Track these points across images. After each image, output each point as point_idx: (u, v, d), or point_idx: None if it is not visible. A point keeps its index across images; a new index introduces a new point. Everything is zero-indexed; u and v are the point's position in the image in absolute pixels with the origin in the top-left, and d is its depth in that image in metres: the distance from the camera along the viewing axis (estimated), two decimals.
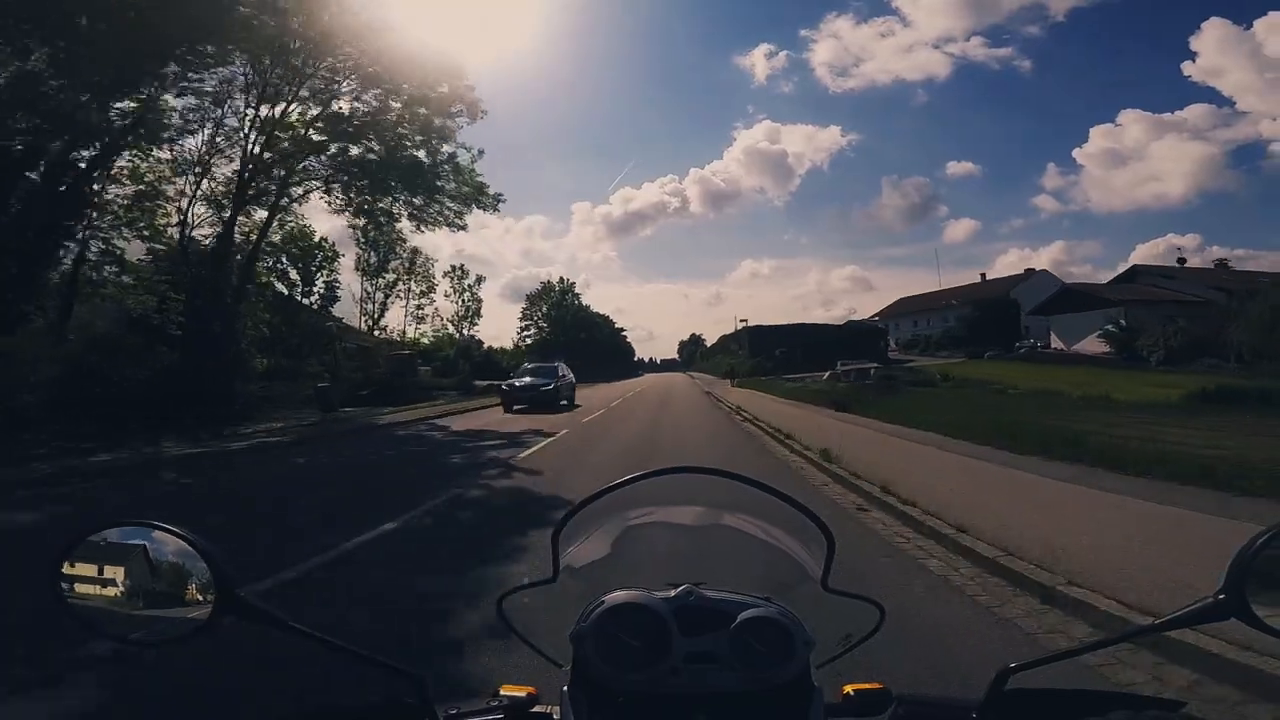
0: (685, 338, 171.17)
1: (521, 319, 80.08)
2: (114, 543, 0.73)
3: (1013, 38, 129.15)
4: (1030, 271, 68.70)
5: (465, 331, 56.04)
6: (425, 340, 52.15)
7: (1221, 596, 0.65)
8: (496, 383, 32.24)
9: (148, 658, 2.81)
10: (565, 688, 0.77)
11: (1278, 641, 0.63)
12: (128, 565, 0.73)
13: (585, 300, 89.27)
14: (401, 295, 49.89)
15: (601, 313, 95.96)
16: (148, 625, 0.73)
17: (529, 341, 77.32)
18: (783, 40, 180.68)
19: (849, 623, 0.95)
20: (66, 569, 0.71)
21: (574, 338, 76.47)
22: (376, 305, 48.29)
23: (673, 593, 0.81)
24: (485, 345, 61.48)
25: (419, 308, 51.78)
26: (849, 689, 0.80)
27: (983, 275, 74.88)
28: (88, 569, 0.72)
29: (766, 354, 45.41)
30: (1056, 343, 48.79)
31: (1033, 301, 58.36)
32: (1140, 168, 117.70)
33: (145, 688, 2.87)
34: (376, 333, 47.41)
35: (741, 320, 70.30)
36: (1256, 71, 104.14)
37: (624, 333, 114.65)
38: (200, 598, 0.72)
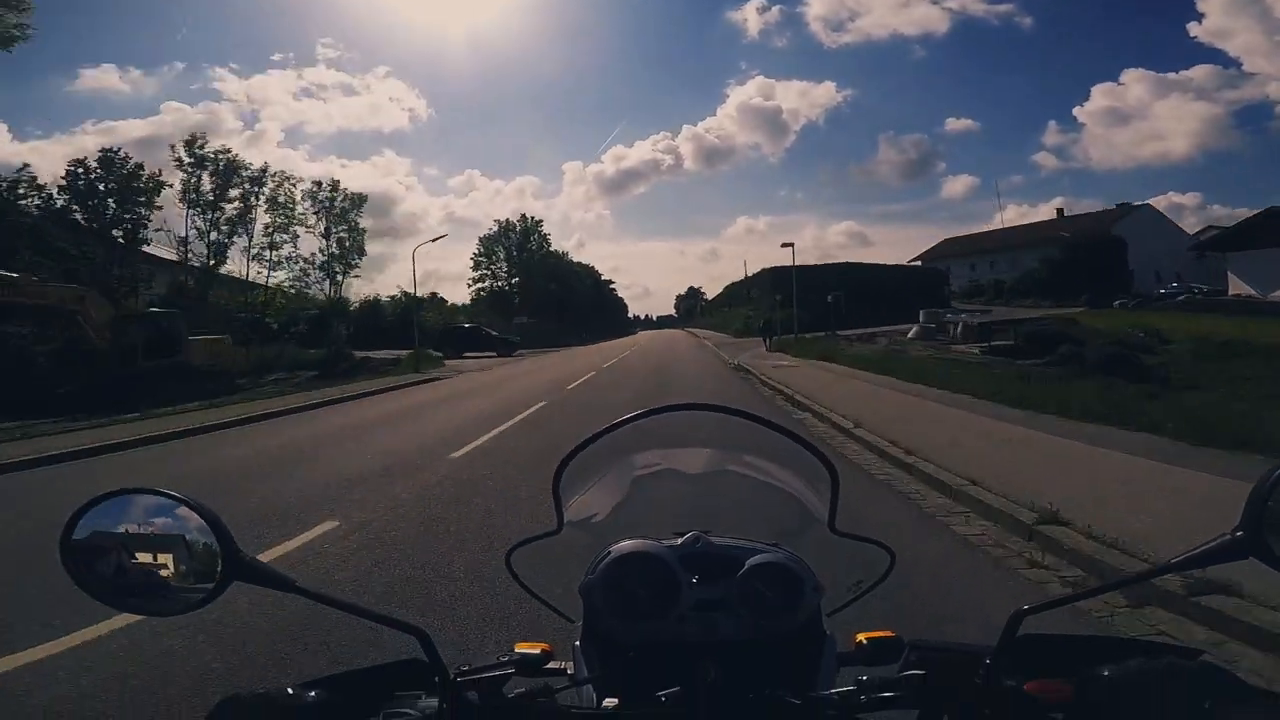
0: (683, 291, 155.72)
1: (474, 267, 65.42)
2: (118, 511, 0.72)
3: None
4: (1127, 206, 53.30)
5: (340, 278, 41.02)
6: (286, 291, 38.07)
7: (1239, 534, 0.62)
8: (389, 354, 26.21)
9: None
10: (577, 642, 0.77)
11: None
12: (134, 533, 0.72)
13: (564, 249, 78.43)
14: (263, 233, 36.76)
15: (583, 261, 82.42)
16: (156, 592, 0.71)
17: (482, 294, 62.54)
18: None
19: (860, 567, 0.92)
20: (74, 539, 0.70)
21: (543, 289, 61.87)
22: (210, 246, 34.20)
23: (680, 540, 0.80)
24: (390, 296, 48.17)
25: (272, 246, 36.59)
26: (861, 637, 0.77)
27: (1060, 211, 59.66)
28: (95, 538, 0.71)
29: (804, 303, 31.10)
30: (1238, 287, 33.88)
31: (1138, 241, 44.94)
32: (1143, 126, 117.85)
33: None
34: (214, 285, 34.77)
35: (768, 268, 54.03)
36: (1265, 34, 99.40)
37: (612, 285, 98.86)
38: (206, 563, 0.70)
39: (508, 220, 66.67)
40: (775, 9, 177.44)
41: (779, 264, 43.45)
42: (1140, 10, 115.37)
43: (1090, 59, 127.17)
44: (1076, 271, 43.76)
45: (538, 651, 0.78)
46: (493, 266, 63.18)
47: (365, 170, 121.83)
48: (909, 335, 25.64)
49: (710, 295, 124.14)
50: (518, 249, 64.51)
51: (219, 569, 0.70)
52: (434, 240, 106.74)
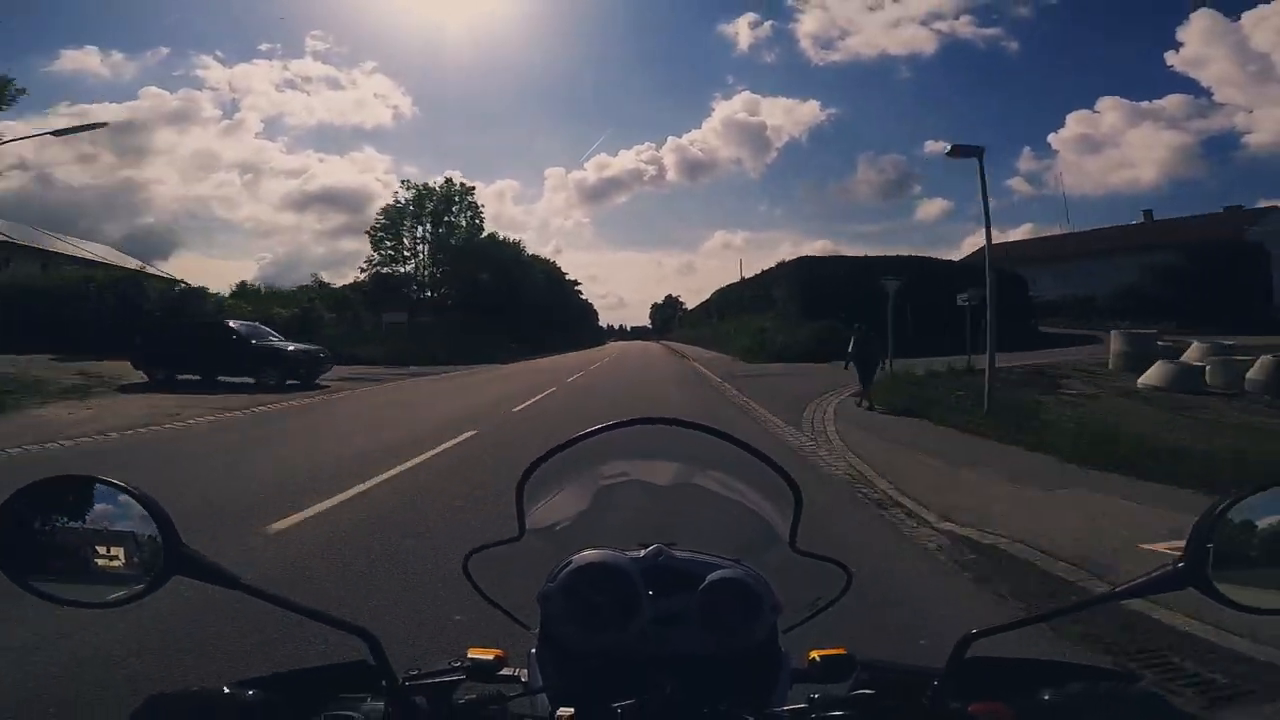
0: (659, 300, 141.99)
1: (373, 244, 48.11)
2: (54, 498, 0.69)
3: (1002, 18, 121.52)
4: (1239, 209, 40.68)
5: None
6: None
7: (1180, 565, 0.65)
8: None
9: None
10: (533, 650, 0.77)
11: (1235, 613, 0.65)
12: (69, 521, 0.69)
13: (524, 245, 62.82)
14: None
15: (538, 255, 67.65)
16: (92, 584, 0.69)
17: (361, 282, 47.08)
18: (769, 8, 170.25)
19: (818, 585, 0.92)
20: (7, 534, 0.66)
21: (469, 280, 47.18)
22: None
23: (642, 553, 0.80)
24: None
25: None
26: (814, 654, 0.78)
27: (1147, 214, 46.77)
28: (26, 526, 0.67)
29: (836, 309, 17.63)
30: None
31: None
32: (1114, 154, 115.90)
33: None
34: None
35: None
36: (1239, 64, 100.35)
37: (578, 286, 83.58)
38: (146, 554, 0.68)
39: (425, 185, 48.81)
40: (767, 24, 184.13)
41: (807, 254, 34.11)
42: (1123, 35, 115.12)
43: (1070, 85, 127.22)
44: (1197, 285, 33.85)
45: (490, 658, 0.77)
46: (397, 246, 47.18)
47: (343, 165, 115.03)
48: (1142, 380, 11.89)
49: (690, 305, 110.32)
50: (433, 222, 47.87)
51: (159, 562, 0.67)
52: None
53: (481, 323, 43.15)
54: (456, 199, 48.73)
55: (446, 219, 47.37)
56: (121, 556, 0.69)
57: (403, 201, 47.97)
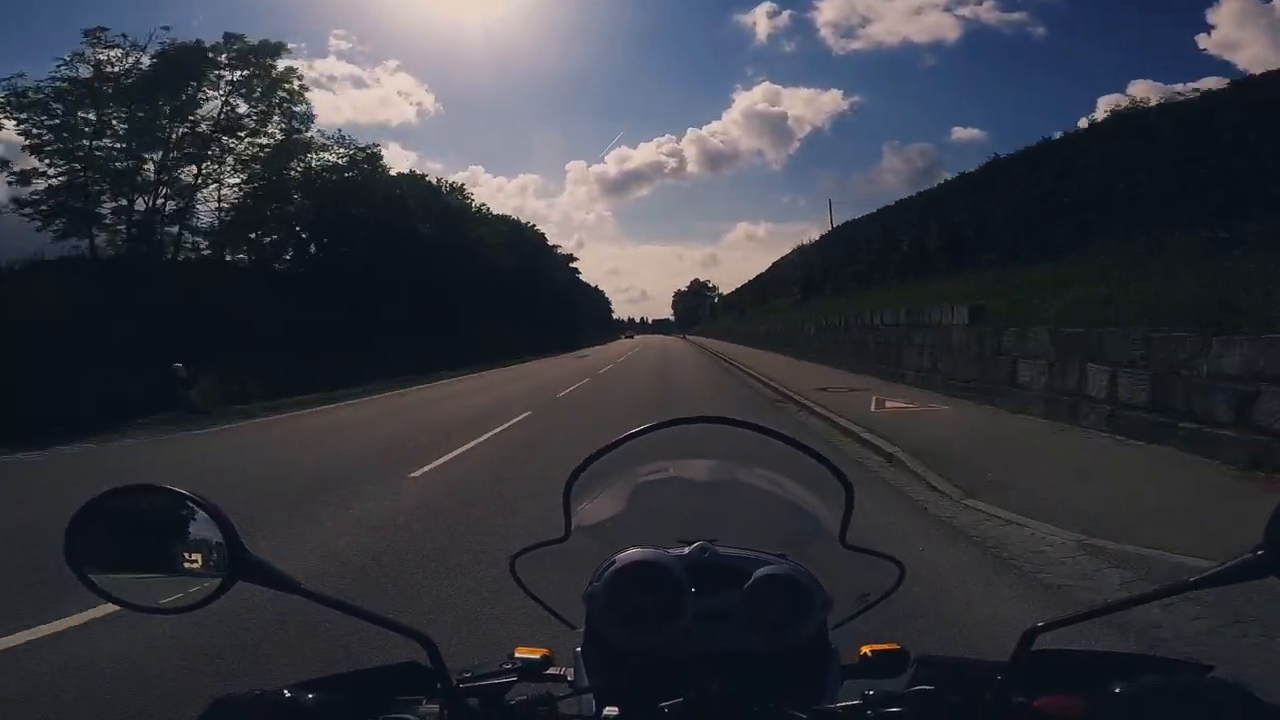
0: (684, 286, 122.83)
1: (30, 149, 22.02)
2: (125, 507, 0.73)
3: (1028, 2, 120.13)
4: None
5: None
6: None
7: (1260, 553, 0.63)
8: None
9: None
10: (578, 648, 0.78)
11: None
12: (139, 529, 0.73)
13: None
14: None
15: (503, 214, 51.10)
16: (162, 590, 0.72)
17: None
18: None
19: (868, 581, 0.91)
20: (79, 533, 0.70)
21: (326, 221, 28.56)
22: None
23: (686, 550, 0.80)
24: None
25: None
26: (866, 649, 0.78)
27: None
28: (100, 535, 0.71)
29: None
30: None
31: None
32: None
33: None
34: None
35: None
36: (1273, 46, 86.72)
37: (573, 263, 65.00)
38: (213, 561, 0.71)
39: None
40: (785, 14, 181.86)
41: None
42: (1151, 21, 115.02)
43: (1100, 69, 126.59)
44: None
45: (538, 657, 0.79)
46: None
47: None
48: None
49: (727, 288, 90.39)
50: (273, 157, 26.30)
51: (225, 568, 0.69)
52: None
53: (398, 319, 26.20)
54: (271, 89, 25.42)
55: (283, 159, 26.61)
56: (188, 563, 0.71)
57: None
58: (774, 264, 42.13)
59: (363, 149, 29.86)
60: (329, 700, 0.70)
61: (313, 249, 28.91)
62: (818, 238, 33.48)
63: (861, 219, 26.33)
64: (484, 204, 46.40)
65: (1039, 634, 0.68)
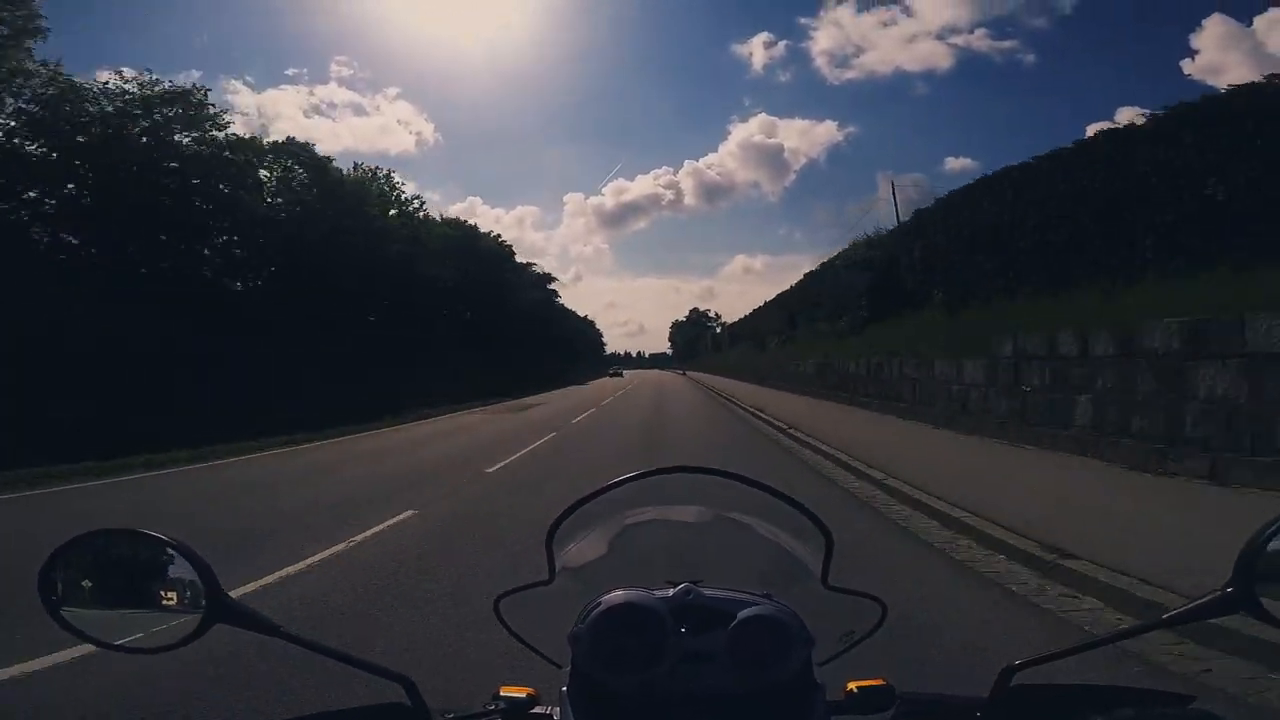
0: (683, 317, 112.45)
1: None
2: (101, 549, 0.75)
3: (1018, 30, 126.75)
4: None
5: None
6: None
7: (1229, 590, 0.66)
8: None
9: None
10: (564, 688, 0.78)
11: None
12: (115, 571, 0.75)
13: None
14: None
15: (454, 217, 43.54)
16: (138, 631, 0.74)
17: None
18: (782, 28, 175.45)
19: (852, 619, 0.93)
20: (56, 576, 0.72)
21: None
22: None
23: (671, 591, 0.80)
24: None
25: None
26: (852, 685, 0.79)
27: None
28: (76, 576, 0.73)
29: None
30: None
31: None
32: None
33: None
34: None
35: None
36: (1255, 69, 68.16)
37: (551, 284, 54.12)
38: (188, 602, 0.73)
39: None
40: (781, 44, 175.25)
41: None
42: (1138, 48, 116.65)
43: (1089, 96, 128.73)
44: None
45: (523, 695, 0.80)
46: None
47: None
48: None
49: (730, 316, 79.54)
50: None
51: (203, 609, 0.72)
52: None
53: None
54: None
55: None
56: (165, 605, 0.73)
57: None
58: (808, 274, 31.22)
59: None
60: None
61: None
62: (888, 228, 22.59)
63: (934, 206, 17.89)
64: (416, 196, 36.20)
65: (1017, 671, 0.71)
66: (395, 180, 34.74)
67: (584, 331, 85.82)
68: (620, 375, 67.71)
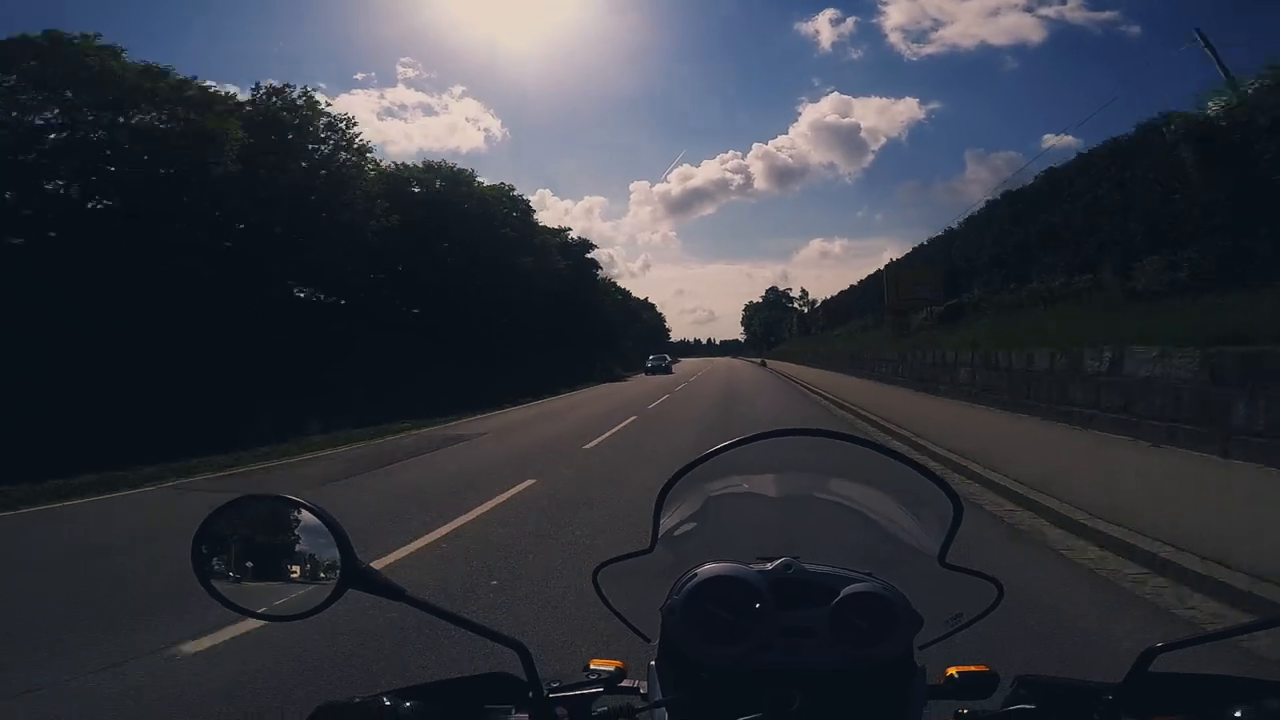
0: (758, 298, 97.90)
1: None
2: (245, 516, 0.78)
3: (1118, 1, 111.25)
4: None
5: None
6: None
7: None
8: None
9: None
10: (652, 662, 0.79)
11: None
12: (260, 538, 0.78)
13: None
14: None
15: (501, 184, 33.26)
16: (277, 597, 0.77)
17: None
18: (849, 4, 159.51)
19: (961, 601, 0.89)
20: (204, 543, 0.76)
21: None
22: None
23: (770, 565, 0.81)
24: None
25: None
26: (953, 671, 0.78)
27: None
28: (223, 545, 0.77)
29: None
30: None
31: None
32: None
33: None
34: None
35: None
36: None
37: (586, 250, 40.18)
38: (325, 569, 0.75)
39: None
40: (849, 20, 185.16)
41: None
42: (1254, 11, 72.41)
43: (1200, 67, 79.52)
44: None
45: (612, 669, 0.81)
46: None
47: None
48: None
49: (825, 292, 65.55)
50: None
51: (337, 576, 0.73)
52: None
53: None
54: None
55: None
56: (302, 571, 0.75)
57: None
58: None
59: None
60: (424, 708, 0.72)
61: None
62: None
63: None
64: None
65: (1157, 654, 0.67)
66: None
67: (637, 315, 73.35)
68: (665, 369, 44.04)
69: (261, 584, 0.76)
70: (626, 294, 65.63)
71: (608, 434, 11.22)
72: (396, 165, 29.68)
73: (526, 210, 34.06)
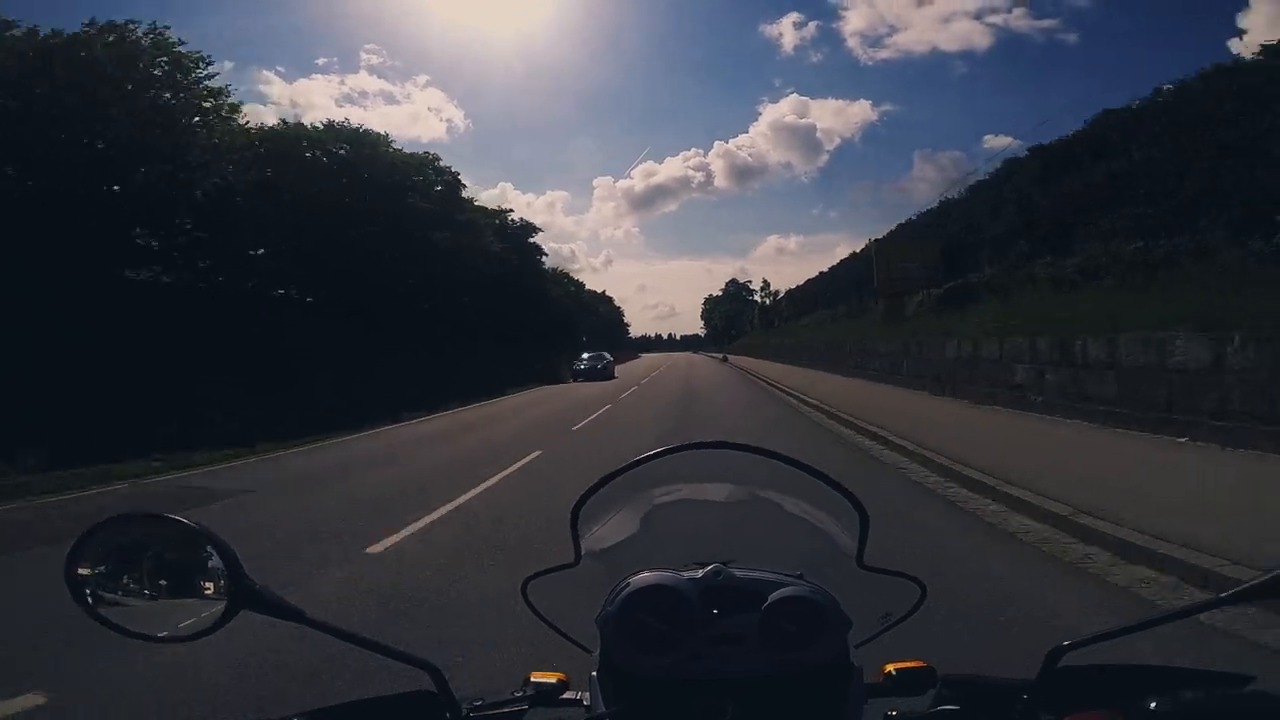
0: (719, 290, 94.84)
1: None
2: (126, 536, 0.73)
3: (1060, 8, 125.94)
4: None
5: None
6: None
7: None
8: None
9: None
10: (594, 673, 0.78)
11: None
12: (141, 559, 0.73)
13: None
14: None
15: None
16: (162, 619, 0.73)
17: None
18: (813, 9, 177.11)
19: (889, 600, 0.91)
20: (81, 569, 0.71)
21: None
22: None
23: (700, 573, 0.80)
24: None
25: None
26: (890, 668, 0.79)
27: None
28: (101, 566, 0.72)
29: None
30: None
31: None
32: None
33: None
34: None
35: None
36: None
37: (529, 234, 35.16)
38: (214, 589, 0.71)
39: None
40: (812, 24, 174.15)
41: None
42: (1182, 26, 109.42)
43: (1131, 76, 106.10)
44: None
45: (554, 681, 0.80)
46: None
47: None
48: None
49: (783, 287, 62.59)
50: None
51: (227, 597, 0.70)
52: None
53: None
54: None
55: None
56: (190, 592, 0.72)
57: None
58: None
59: None
60: None
61: None
62: None
63: None
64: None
65: (1064, 652, 0.69)
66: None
67: (592, 307, 68.63)
68: (604, 373, 30.01)
69: (145, 605, 0.72)
70: (580, 285, 61.03)
71: (477, 490, 6.62)
72: (285, 123, 24.72)
73: (455, 183, 29.45)
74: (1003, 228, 16.87)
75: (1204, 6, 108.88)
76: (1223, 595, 0.65)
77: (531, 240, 37.89)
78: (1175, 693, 0.63)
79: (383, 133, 26.36)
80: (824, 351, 24.83)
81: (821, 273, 39.15)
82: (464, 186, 30.11)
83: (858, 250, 30.02)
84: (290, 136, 23.98)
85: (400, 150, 26.99)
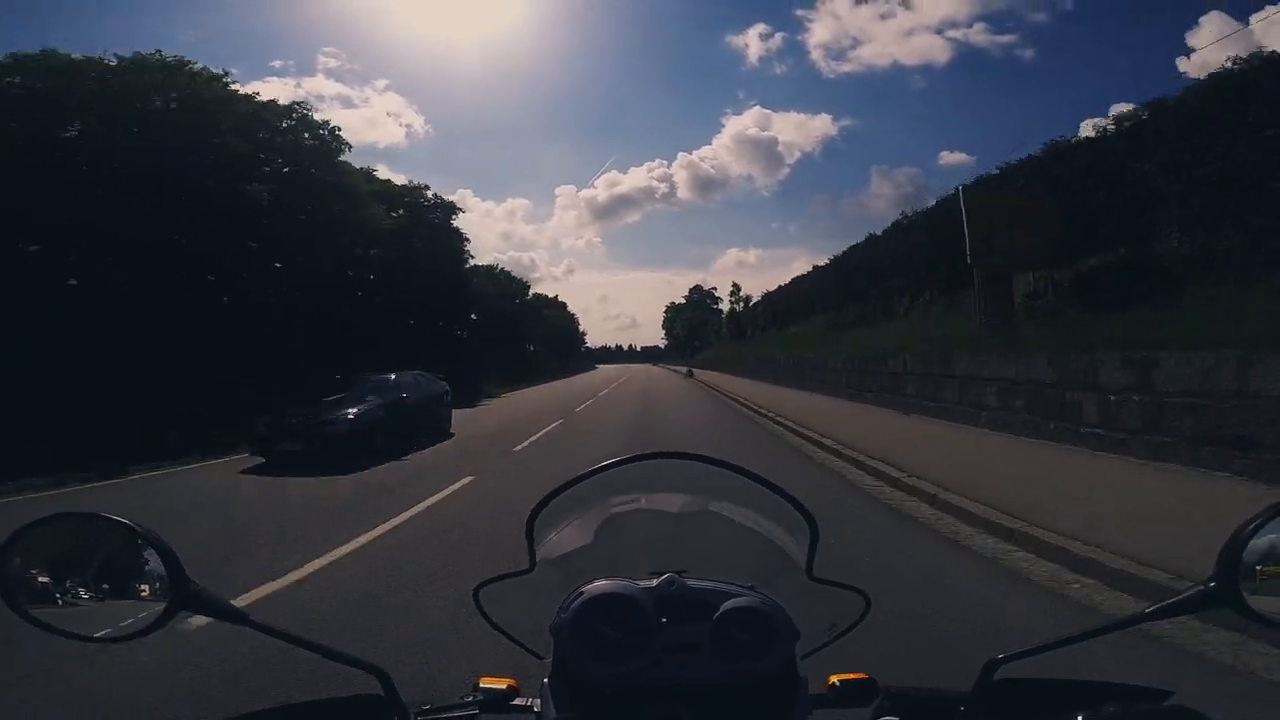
0: (681, 298, 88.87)
1: None
2: (62, 535, 0.72)
3: (1018, 24, 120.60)
4: None
5: None
6: None
7: (1212, 584, 0.67)
8: None
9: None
10: (546, 680, 0.79)
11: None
12: (76, 559, 0.72)
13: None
14: None
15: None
16: (100, 620, 0.71)
17: None
18: (779, 20, 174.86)
19: (836, 611, 0.94)
20: (10, 562, 0.69)
21: None
22: None
23: (655, 582, 0.81)
24: None
25: None
26: (834, 679, 0.82)
27: None
28: (33, 562, 0.70)
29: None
30: None
31: None
32: None
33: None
34: None
35: None
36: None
37: (452, 214, 27.16)
38: (152, 590, 0.71)
39: None
40: (778, 35, 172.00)
41: None
42: (1133, 43, 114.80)
43: (1084, 92, 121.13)
44: None
45: (503, 687, 0.80)
46: None
47: None
48: None
49: (755, 293, 56.29)
50: None
51: (167, 598, 0.69)
52: None
53: None
54: None
55: None
56: (127, 593, 0.71)
57: None
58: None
59: None
60: None
61: None
62: None
63: None
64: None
65: (1000, 666, 0.71)
66: None
67: (537, 311, 60.30)
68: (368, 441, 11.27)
69: (81, 606, 0.70)
70: (521, 282, 52.73)
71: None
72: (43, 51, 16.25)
73: (305, 121, 20.19)
74: (1192, 176, 10.25)
75: (1154, 26, 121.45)
76: (1148, 610, 0.68)
77: (454, 225, 29.98)
78: (1101, 707, 0.68)
79: (180, 56, 17.22)
80: (845, 372, 18.00)
81: (816, 267, 32.92)
82: (334, 128, 21.36)
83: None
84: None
85: (199, 69, 18.05)
